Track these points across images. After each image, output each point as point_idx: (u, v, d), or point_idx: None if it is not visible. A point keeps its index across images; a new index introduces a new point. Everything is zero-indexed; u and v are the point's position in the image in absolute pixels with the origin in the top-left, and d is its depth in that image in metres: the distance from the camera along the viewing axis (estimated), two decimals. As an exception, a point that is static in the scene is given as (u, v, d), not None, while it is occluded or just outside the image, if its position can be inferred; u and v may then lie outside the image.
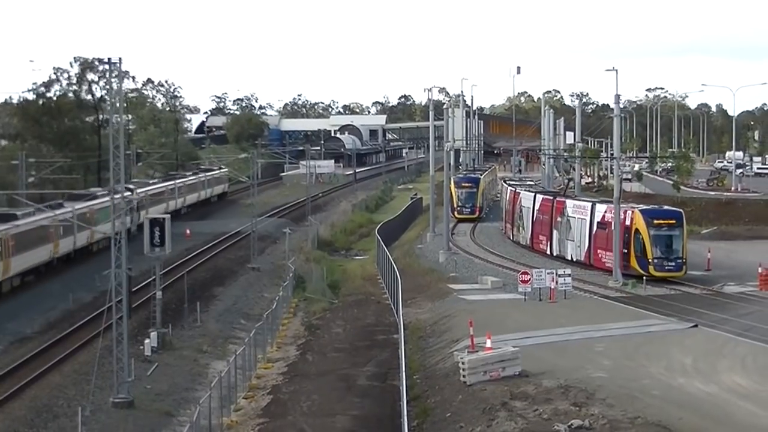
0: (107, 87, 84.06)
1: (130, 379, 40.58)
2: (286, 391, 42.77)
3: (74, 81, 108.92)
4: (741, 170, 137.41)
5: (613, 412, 32.25)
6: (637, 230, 63.23)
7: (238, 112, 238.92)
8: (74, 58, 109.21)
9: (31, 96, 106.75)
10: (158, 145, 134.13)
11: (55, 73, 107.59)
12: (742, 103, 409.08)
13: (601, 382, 36.28)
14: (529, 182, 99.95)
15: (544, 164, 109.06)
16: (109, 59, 41.84)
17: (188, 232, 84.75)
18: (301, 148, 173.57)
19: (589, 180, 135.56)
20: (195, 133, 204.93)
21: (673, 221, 63.82)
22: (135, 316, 52.22)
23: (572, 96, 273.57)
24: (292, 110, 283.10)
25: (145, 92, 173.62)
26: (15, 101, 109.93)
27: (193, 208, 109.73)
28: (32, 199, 70.39)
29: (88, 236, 73.00)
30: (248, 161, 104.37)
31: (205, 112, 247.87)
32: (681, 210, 67.13)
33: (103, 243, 72.92)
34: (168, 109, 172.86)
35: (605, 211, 66.68)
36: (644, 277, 62.04)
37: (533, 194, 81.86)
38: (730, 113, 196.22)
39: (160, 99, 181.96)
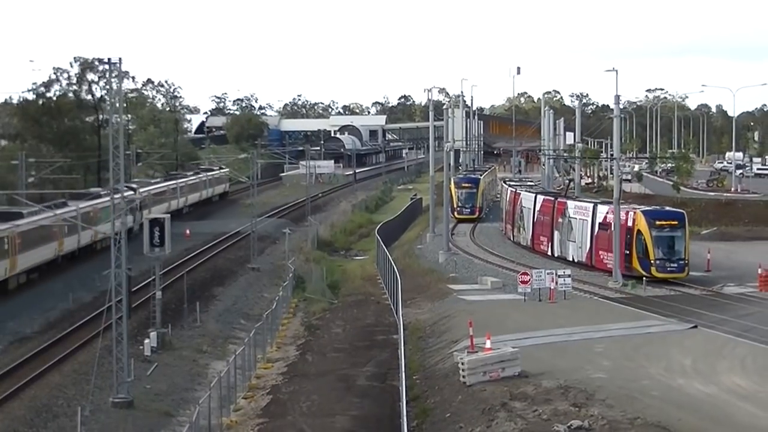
0: (107, 87, 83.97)
1: (130, 379, 40.58)
2: (286, 392, 42.77)
3: (74, 81, 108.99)
4: (741, 171, 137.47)
5: (613, 412, 32.25)
6: (639, 231, 63.07)
7: (237, 113, 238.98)
8: (74, 58, 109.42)
9: (31, 96, 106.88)
10: (158, 146, 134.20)
11: (55, 73, 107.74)
12: (742, 104, 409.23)
13: (601, 382, 36.28)
14: (529, 183, 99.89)
15: (543, 165, 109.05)
16: (109, 59, 41.87)
17: (188, 232, 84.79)
18: (300, 148, 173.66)
19: (589, 181, 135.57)
20: (195, 133, 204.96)
21: (676, 222, 63.66)
22: (135, 316, 52.24)
23: (572, 96, 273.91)
24: (292, 110, 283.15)
25: (145, 92, 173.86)
26: (15, 101, 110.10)
27: (194, 207, 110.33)
28: (32, 199, 70.43)
29: (92, 235, 73.32)
30: (248, 161, 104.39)
31: (205, 113, 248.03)
32: (683, 211, 66.95)
33: (107, 241, 72.92)
34: (168, 109, 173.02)
35: (607, 212, 66.50)
36: (645, 278, 61.98)
37: (534, 195, 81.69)
38: (730, 114, 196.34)
39: (160, 99, 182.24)
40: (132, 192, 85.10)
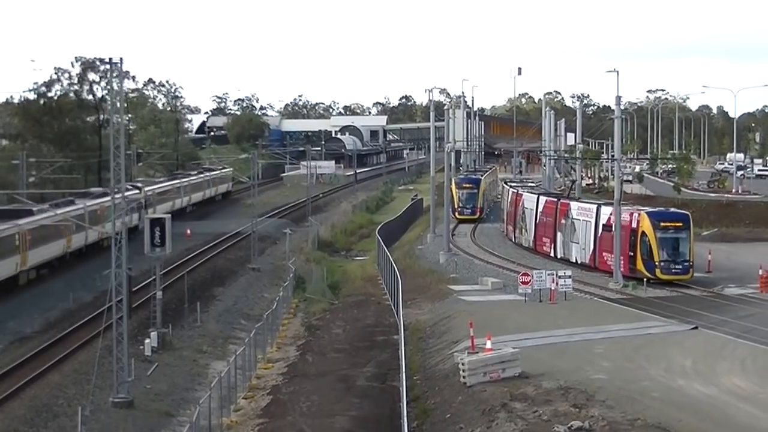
0: (108, 87, 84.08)
1: (130, 379, 40.59)
2: (286, 392, 42.77)
3: (75, 81, 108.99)
4: (742, 172, 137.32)
5: (613, 413, 32.25)
6: (643, 233, 62.79)
7: (238, 113, 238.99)
8: (75, 57, 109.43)
9: (32, 96, 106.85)
10: (159, 146, 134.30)
11: (56, 73, 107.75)
12: (743, 105, 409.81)
13: (601, 383, 36.27)
14: (530, 184, 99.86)
15: (544, 165, 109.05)
16: (110, 59, 41.92)
17: (189, 232, 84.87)
18: (301, 148, 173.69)
19: (590, 181, 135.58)
20: (196, 133, 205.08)
21: (680, 224, 63.38)
22: (135, 316, 52.23)
23: (573, 97, 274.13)
24: (293, 111, 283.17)
25: (146, 92, 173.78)
26: (16, 101, 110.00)
27: (198, 206, 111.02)
28: (33, 199, 70.49)
29: (99, 232, 73.75)
30: (249, 162, 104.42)
31: (206, 113, 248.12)
32: (688, 212, 66.58)
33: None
34: (169, 109, 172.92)
35: (611, 214, 66.16)
36: (650, 280, 61.81)
37: (536, 196, 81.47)
38: (731, 115, 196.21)
39: (161, 99, 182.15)
40: (137, 191, 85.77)
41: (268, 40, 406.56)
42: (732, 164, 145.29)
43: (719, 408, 33.40)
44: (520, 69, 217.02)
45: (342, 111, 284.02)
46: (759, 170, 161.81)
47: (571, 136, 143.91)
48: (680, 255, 62.44)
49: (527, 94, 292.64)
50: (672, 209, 70.48)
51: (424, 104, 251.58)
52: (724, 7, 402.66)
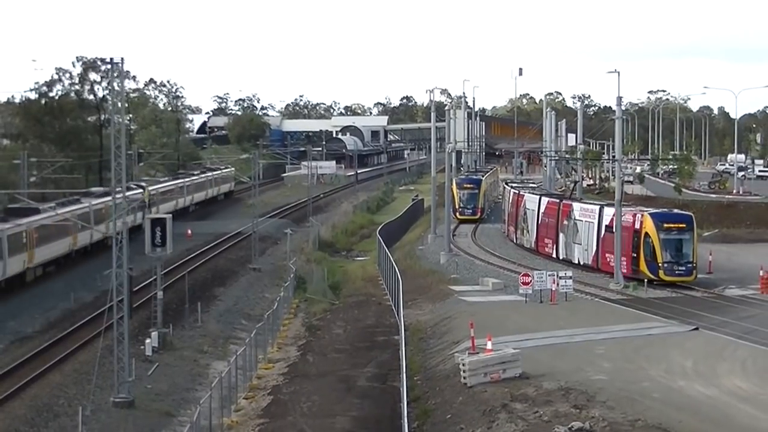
0: (109, 87, 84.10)
1: (131, 379, 40.60)
2: (287, 392, 42.79)
3: (76, 81, 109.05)
4: (743, 173, 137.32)
5: (614, 414, 32.26)
6: (647, 234, 62.55)
7: (239, 113, 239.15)
8: (77, 57, 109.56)
9: (33, 95, 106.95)
10: (160, 145, 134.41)
11: (57, 73, 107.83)
12: (744, 106, 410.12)
13: (602, 384, 36.29)
14: (531, 184, 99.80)
15: (545, 166, 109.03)
16: (111, 59, 41.94)
17: (189, 232, 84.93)
18: (302, 148, 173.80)
19: (591, 182, 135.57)
20: (197, 133, 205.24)
21: (684, 225, 63.13)
22: (136, 316, 52.21)
23: (574, 98, 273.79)
24: (294, 111, 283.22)
25: (148, 92, 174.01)
26: (17, 101, 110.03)
27: (200, 205, 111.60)
28: (34, 199, 70.57)
29: (104, 231, 73.93)
30: (250, 162, 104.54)
31: (207, 113, 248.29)
32: (691, 214, 66.35)
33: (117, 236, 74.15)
34: (170, 109, 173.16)
35: (614, 215, 65.99)
36: (653, 282, 61.73)
37: (538, 197, 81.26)
38: (732, 116, 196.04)
39: (162, 99, 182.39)
40: (141, 190, 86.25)
41: (269, 40, 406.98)
42: (733, 165, 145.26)
43: (720, 409, 33.42)
44: (521, 69, 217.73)
45: (343, 111, 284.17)
46: (760, 171, 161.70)
47: (572, 136, 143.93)
48: (684, 256, 62.24)
49: (528, 94, 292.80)
50: (675, 210, 70.19)
51: (425, 104, 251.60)
52: (725, 7, 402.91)
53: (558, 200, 77.75)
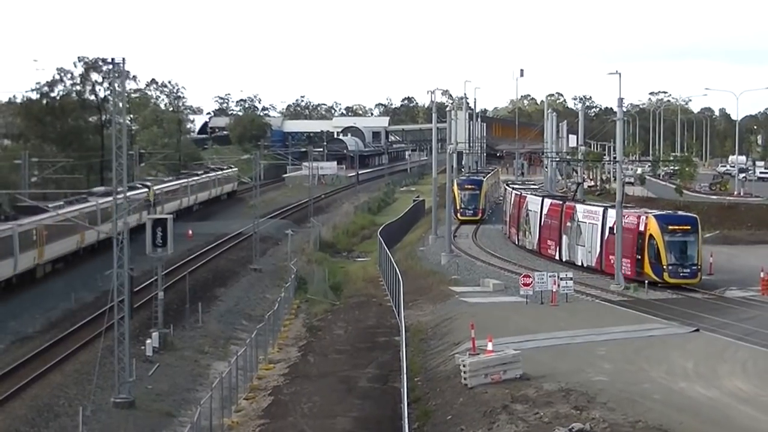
0: (111, 87, 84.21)
1: (132, 379, 40.62)
2: (287, 392, 42.80)
3: (78, 81, 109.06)
4: (744, 174, 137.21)
5: (614, 415, 32.26)
6: (651, 236, 62.32)
7: (241, 113, 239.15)
8: (78, 58, 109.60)
9: (34, 96, 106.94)
10: (161, 146, 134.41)
11: (58, 73, 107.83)
12: (746, 108, 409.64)
13: (602, 385, 36.29)
14: (532, 186, 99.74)
15: (546, 167, 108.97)
16: (112, 59, 41.99)
17: (190, 232, 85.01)
18: (303, 149, 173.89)
19: (592, 183, 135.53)
20: (198, 133, 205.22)
21: (688, 227, 62.89)
22: (137, 317, 52.22)
23: (575, 99, 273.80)
24: (295, 111, 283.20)
25: (149, 92, 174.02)
26: (18, 101, 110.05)
27: (204, 205, 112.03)
28: (35, 199, 70.62)
29: (110, 229, 74.34)
30: (251, 162, 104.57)
31: (208, 113, 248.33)
32: (696, 216, 66.09)
33: (123, 234, 74.49)
34: (171, 109, 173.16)
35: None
36: (658, 284, 61.59)
37: (541, 198, 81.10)
38: (734, 117, 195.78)
39: (163, 99, 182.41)
40: (146, 189, 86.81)
41: (271, 40, 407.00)
42: (734, 166, 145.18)
43: (720, 410, 33.42)
44: (522, 71, 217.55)
45: (344, 112, 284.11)
46: (761, 173, 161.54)
47: (573, 138, 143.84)
48: (688, 258, 62.03)
49: (529, 95, 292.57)
50: (680, 212, 69.91)
51: (426, 105, 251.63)
52: (726, 9, 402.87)
53: (561, 202, 77.57)
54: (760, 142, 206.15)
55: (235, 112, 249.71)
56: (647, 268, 62.38)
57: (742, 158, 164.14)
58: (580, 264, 70.37)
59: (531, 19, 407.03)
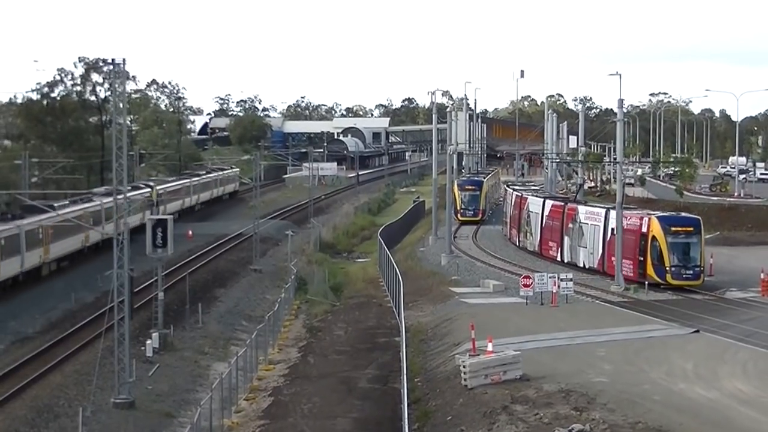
0: (111, 88, 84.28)
1: (132, 380, 40.62)
2: (287, 393, 42.80)
3: (78, 82, 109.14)
4: (744, 176, 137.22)
5: (614, 416, 32.26)
6: (654, 237, 62.12)
7: (241, 114, 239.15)
8: (78, 58, 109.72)
9: (35, 96, 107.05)
10: (161, 146, 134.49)
11: (59, 74, 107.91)
12: (746, 109, 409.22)
13: (602, 386, 36.28)
14: (532, 187, 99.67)
15: (546, 168, 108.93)
16: (112, 60, 41.98)
17: (190, 233, 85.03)
18: (304, 150, 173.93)
19: (592, 184, 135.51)
20: (198, 134, 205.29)
21: (691, 228, 62.73)
22: (137, 317, 52.24)
23: (575, 100, 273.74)
24: (296, 112, 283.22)
25: (149, 93, 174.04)
26: (19, 101, 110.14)
27: (205, 205, 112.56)
28: (35, 199, 70.65)
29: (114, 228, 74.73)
30: (251, 163, 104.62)
31: (209, 114, 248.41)
32: (699, 217, 65.97)
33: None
34: (171, 110, 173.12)
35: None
36: (661, 285, 61.51)
37: (542, 200, 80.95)
38: (734, 119, 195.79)
39: (163, 100, 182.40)
40: (149, 189, 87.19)
41: (271, 41, 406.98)
42: (734, 168, 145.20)
43: (720, 411, 33.40)
44: (522, 72, 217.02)
45: (344, 113, 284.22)
46: (761, 174, 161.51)
47: (573, 139, 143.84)
48: (691, 260, 61.88)
49: (530, 96, 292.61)
50: (683, 214, 69.72)
51: (426, 106, 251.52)
52: (727, 10, 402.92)
53: (562, 203, 77.44)
54: (760, 143, 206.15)
55: (235, 113, 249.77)
56: (650, 270, 62.24)
57: (743, 159, 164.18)
58: (582, 265, 70.26)
59: (531, 20, 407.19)
